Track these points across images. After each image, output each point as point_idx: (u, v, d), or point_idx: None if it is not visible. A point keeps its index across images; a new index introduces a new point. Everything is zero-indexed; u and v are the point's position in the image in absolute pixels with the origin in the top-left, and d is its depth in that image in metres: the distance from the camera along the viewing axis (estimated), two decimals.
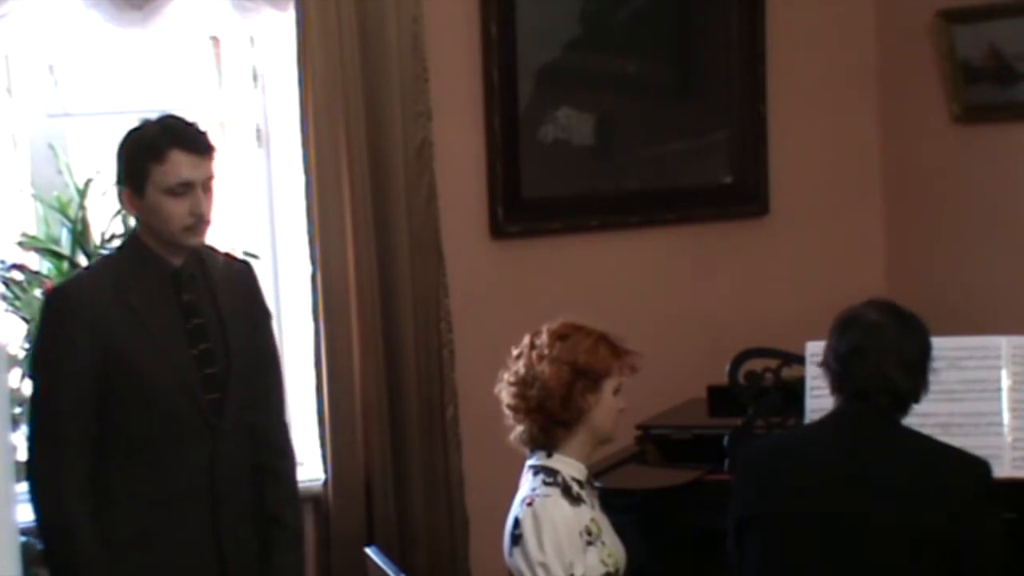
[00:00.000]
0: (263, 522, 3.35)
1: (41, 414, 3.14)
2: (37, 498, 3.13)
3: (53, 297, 3.24)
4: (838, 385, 3.10)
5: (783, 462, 3.12)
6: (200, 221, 3.16)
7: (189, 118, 3.25)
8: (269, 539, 3.35)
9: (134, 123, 3.24)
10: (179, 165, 3.12)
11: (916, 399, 3.09)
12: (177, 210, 3.13)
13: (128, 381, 3.13)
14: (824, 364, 3.14)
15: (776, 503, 3.06)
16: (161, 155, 3.12)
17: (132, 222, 3.63)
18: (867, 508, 2.96)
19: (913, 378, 3.06)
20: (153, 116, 3.23)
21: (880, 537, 2.94)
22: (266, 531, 3.35)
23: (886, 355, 3.03)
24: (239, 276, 3.38)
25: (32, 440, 3.15)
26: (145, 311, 3.16)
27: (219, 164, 3.24)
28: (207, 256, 3.30)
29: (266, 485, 3.36)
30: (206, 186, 3.17)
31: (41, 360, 3.17)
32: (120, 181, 3.20)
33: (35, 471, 3.13)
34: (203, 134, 3.21)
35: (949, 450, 3.07)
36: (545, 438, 3.31)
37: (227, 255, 3.41)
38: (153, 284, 3.19)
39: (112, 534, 3.14)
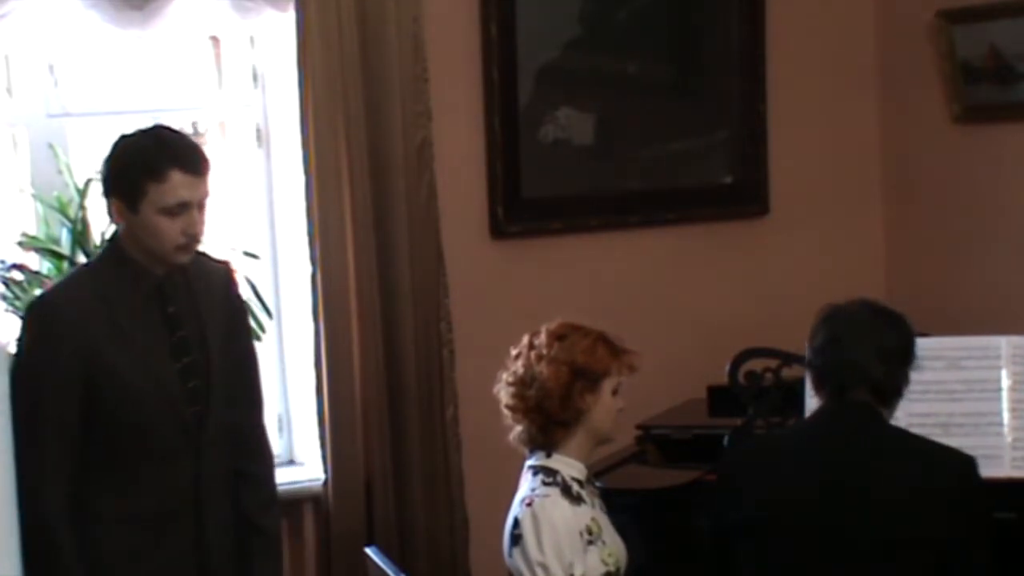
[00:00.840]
0: (241, 527, 3.32)
1: (24, 429, 3.03)
2: (20, 512, 3.03)
3: (36, 311, 3.16)
4: (819, 381, 3.08)
5: (773, 466, 3.09)
6: (192, 241, 3.12)
7: (180, 129, 3.23)
8: (248, 545, 3.32)
9: (122, 133, 3.17)
10: (178, 186, 3.06)
11: (897, 392, 3.06)
12: (171, 230, 3.08)
13: (112, 395, 3.09)
14: (807, 363, 3.13)
15: (769, 507, 3.03)
16: (160, 175, 3.05)
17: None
18: (861, 508, 2.95)
19: (891, 369, 3.03)
20: (144, 126, 3.18)
21: (874, 537, 2.94)
22: (245, 536, 3.32)
23: (862, 344, 3.01)
24: (218, 279, 3.33)
25: (15, 455, 3.04)
26: (130, 326, 3.11)
27: (213, 180, 3.18)
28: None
29: (244, 490, 3.33)
30: (200, 205, 3.12)
31: (24, 376, 3.05)
32: (110, 193, 3.13)
33: (17, 488, 3.03)
34: (199, 151, 3.15)
35: (937, 447, 3.07)
36: (544, 438, 3.31)
37: (205, 254, 3.32)
38: (137, 296, 3.14)
39: (98, 552, 3.10)
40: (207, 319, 3.23)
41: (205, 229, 3.15)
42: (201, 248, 3.25)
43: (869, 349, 3.01)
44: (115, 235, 3.20)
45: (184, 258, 3.14)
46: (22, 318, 3.25)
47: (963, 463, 3.01)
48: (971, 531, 2.97)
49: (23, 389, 3.02)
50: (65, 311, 3.09)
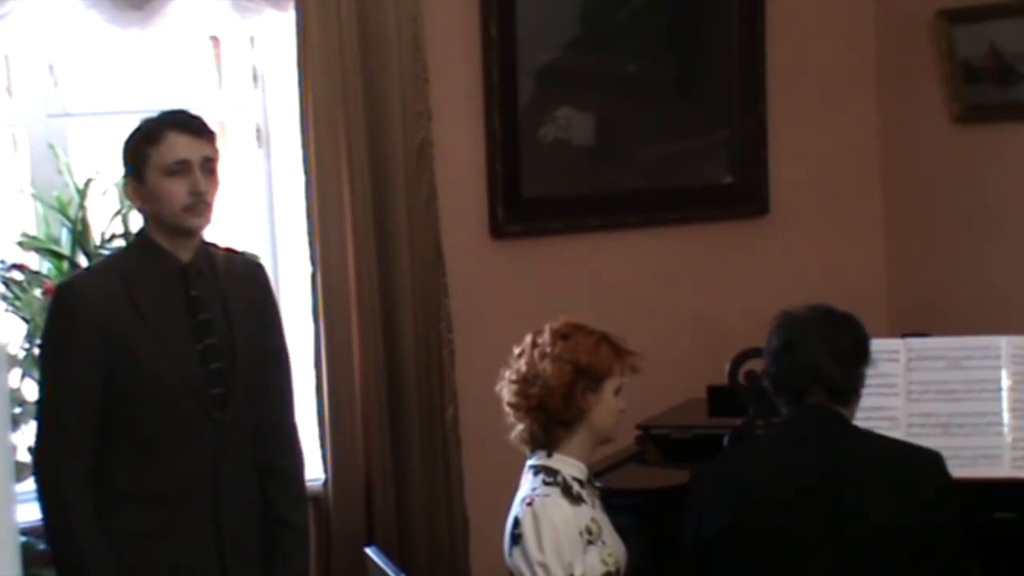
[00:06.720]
0: (269, 522, 3.35)
1: (46, 407, 3.16)
2: (40, 489, 3.14)
3: (59, 292, 3.24)
4: (777, 387, 3.11)
5: (747, 478, 3.10)
6: (200, 201, 3.17)
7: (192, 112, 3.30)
8: (274, 539, 3.35)
9: (136, 123, 3.26)
10: (175, 145, 3.16)
11: (854, 392, 3.09)
12: (176, 190, 3.14)
13: (132, 375, 3.14)
14: (765, 371, 3.15)
15: (746, 518, 3.03)
16: (157, 137, 3.16)
17: (132, 222, 3.65)
18: (836, 512, 2.96)
19: (845, 370, 3.06)
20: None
21: (852, 539, 2.94)
22: (272, 531, 3.35)
23: (815, 346, 3.04)
24: (249, 274, 3.39)
25: (37, 434, 3.17)
26: (149, 306, 3.17)
27: (220, 150, 3.26)
28: (216, 254, 3.31)
29: (273, 485, 3.36)
30: (205, 167, 3.18)
31: (47, 354, 3.20)
32: (125, 175, 3.24)
33: (38, 463, 3.16)
34: (200, 119, 3.24)
35: (904, 446, 3.10)
36: (545, 437, 3.30)
37: (238, 253, 3.43)
38: (160, 280, 3.20)
39: (116, 531, 3.14)
40: (232, 305, 3.27)
41: (216, 194, 3.21)
42: (228, 243, 3.36)
43: (822, 352, 3.04)
44: (143, 226, 3.27)
45: (195, 221, 3.19)
46: (48, 300, 3.36)
47: (933, 461, 3.03)
48: (947, 525, 2.98)
49: (46, 366, 3.19)
50: (85, 291, 3.18)
